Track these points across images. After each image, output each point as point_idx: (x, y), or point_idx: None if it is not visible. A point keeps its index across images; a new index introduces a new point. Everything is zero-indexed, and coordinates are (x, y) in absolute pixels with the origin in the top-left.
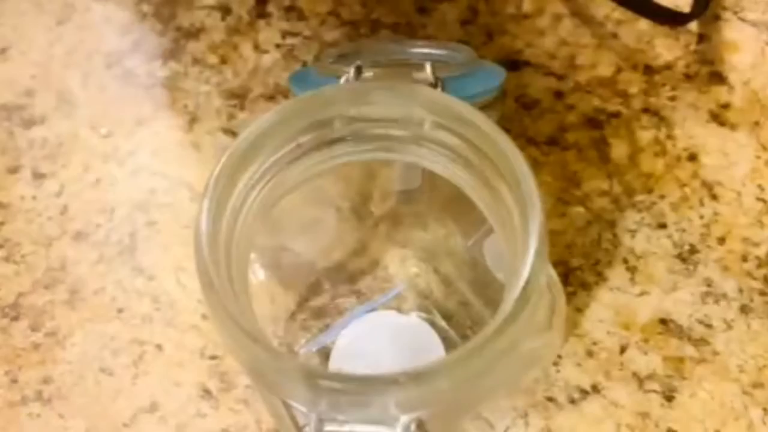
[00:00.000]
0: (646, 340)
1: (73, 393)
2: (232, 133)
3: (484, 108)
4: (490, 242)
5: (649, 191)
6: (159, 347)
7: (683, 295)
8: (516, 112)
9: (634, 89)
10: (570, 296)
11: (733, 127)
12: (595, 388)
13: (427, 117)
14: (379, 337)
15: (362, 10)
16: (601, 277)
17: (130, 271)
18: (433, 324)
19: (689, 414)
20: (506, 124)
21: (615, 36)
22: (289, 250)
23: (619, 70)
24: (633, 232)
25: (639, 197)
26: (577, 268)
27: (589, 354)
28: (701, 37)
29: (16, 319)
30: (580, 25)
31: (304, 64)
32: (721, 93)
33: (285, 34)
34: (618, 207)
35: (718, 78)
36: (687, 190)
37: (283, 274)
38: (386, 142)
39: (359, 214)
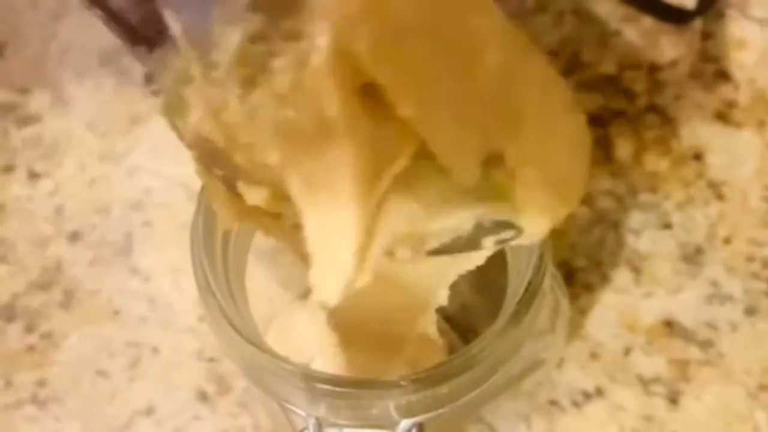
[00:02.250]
0: (650, 342)
1: (68, 396)
2: None
3: None
4: None
5: (654, 191)
6: (155, 349)
7: (688, 297)
8: None
9: (638, 87)
10: (573, 298)
11: (738, 125)
12: (599, 391)
13: None
14: None
15: None
16: (604, 278)
17: (126, 273)
18: None
19: (694, 417)
20: None
21: (619, 33)
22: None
23: (623, 68)
24: (637, 233)
25: (643, 197)
26: (581, 269)
27: (593, 356)
28: (706, 35)
29: (10, 320)
30: (583, 22)
31: None
32: (726, 91)
33: None
34: (622, 207)
35: (723, 76)
36: (692, 189)
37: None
38: None
39: None
